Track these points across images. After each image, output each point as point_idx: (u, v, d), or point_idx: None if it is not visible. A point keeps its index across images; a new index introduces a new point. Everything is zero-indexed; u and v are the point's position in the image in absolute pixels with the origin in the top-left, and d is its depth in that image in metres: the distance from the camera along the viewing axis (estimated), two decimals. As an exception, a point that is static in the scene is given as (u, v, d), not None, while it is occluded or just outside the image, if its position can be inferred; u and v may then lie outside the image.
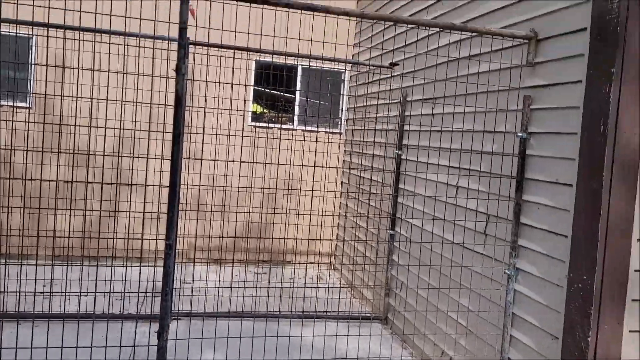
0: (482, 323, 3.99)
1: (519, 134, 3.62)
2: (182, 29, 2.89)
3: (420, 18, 4.72)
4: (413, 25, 4.97)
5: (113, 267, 3.68)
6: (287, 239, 7.16)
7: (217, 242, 7.22)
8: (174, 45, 3.29)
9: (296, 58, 6.74)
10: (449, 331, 4.42)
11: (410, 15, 5.57)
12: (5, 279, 4.45)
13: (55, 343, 3.17)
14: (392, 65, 5.86)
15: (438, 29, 4.72)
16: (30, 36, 6.88)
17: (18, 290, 3.71)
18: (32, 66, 6.99)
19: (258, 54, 7.10)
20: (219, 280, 6.12)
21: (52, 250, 4.28)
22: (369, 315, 5.98)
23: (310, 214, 6.74)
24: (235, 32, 4.22)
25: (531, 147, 3.58)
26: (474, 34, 3.89)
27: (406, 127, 5.65)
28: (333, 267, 7.97)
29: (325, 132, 8.00)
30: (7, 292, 4.74)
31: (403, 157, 5.64)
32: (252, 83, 7.82)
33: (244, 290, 6.19)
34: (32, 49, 6.99)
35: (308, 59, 6.55)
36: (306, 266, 6.73)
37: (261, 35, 4.76)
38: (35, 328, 4.29)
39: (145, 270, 6.53)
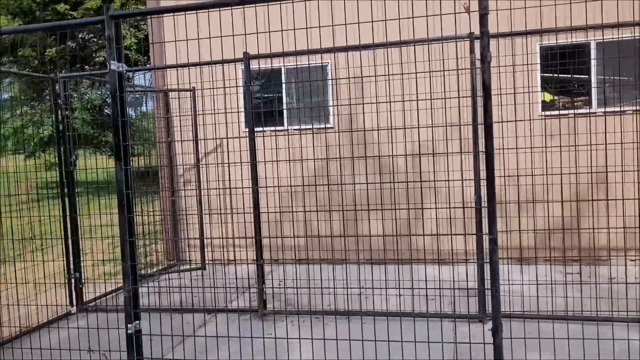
0: None
1: None
2: (483, 15, 2.81)
3: None
4: None
5: (425, 267, 3.76)
6: (599, 229, 6.39)
7: (518, 239, 6.88)
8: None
9: (588, 31, 6.05)
10: None
11: None
12: (330, 279, 4.95)
13: (379, 338, 3.38)
14: None
15: None
16: (327, 64, 7.70)
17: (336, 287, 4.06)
18: (332, 90, 7.78)
19: (543, 34, 6.61)
20: (527, 280, 5.78)
21: (362, 253, 4.61)
22: None
23: (622, 202, 5.90)
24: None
25: None
26: None
27: None
28: (661, 264, 6.83)
29: (634, 111, 6.96)
30: (332, 288, 5.28)
31: None
32: (538, 69, 7.30)
33: (564, 289, 5.73)
34: (328, 74, 7.81)
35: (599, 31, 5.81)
36: (625, 261, 5.88)
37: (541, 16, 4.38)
38: (364, 324, 4.67)
39: (451, 269, 6.61)
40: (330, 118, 7.83)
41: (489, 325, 4.97)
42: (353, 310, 5.40)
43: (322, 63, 6.26)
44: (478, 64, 3.45)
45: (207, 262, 7.53)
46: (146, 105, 9.70)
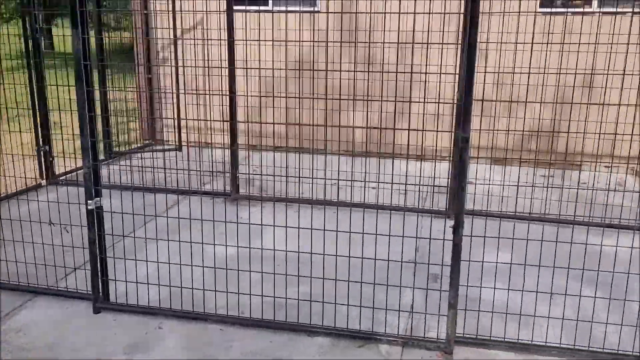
0: None
1: None
2: None
3: None
4: None
5: (407, 163, 3.70)
6: (583, 133, 6.33)
7: (502, 140, 6.83)
8: None
9: None
10: None
11: None
12: (308, 169, 4.89)
13: (354, 229, 3.39)
14: None
15: None
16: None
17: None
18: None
19: None
20: (503, 181, 5.82)
21: (345, 145, 4.52)
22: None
23: (604, 104, 5.80)
24: None
25: None
26: None
27: None
28: (635, 172, 6.89)
29: (635, 12, 6.63)
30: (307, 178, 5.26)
31: None
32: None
33: (532, 192, 5.79)
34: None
35: None
36: (599, 167, 5.90)
37: None
38: (331, 213, 4.71)
39: (433, 166, 6.61)
40: (317, 1, 7.39)
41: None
42: (329, 200, 5.43)
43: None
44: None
45: (183, 143, 7.42)
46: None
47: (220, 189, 5.95)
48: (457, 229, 2.79)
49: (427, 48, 6.56)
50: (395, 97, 4.56)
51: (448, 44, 6.67)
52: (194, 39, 7.30)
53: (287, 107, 7.20)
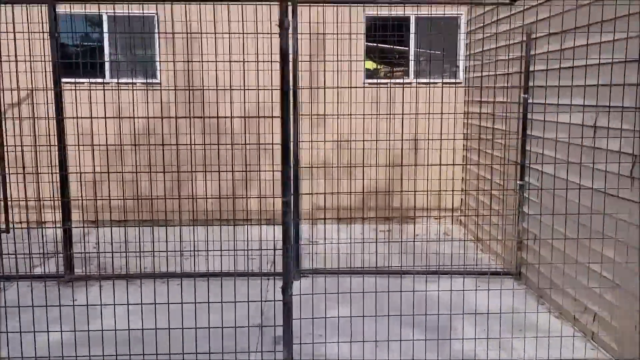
0: (631, 276, 3.59)
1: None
2: (282, -19, 2.81)
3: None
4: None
5: (249, 227, 3.81)
6: (411, 192, 6.98)
7: (341, 201, 7.27)
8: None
9: (407, 6, 6.44)
10: (591, 285, 4.05)
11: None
12: (153, 242, 4.79)
13: (190, 299, 3.37)
14: (512, 1, 5.36)
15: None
16: (155, 14, 7.26)
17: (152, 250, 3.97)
18: (158, 43, 7.37)
19: (366, 6, 6.90)
20: (343, 239, 6.16)
21: (189, 214, 4.53)
22: (499, 270, 5.69)
23: (429, 165, 6.51)
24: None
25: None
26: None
27: (532, 68, 5.17)
28: (460, 222, 7.69)
29: (444, 83, 7.62)
30: (146, 252, 5.14)
31: (529, 100, 5.18)
32: (364, 39, 7.62)
33: (368, 247, 6.17)
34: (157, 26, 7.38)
35: (419, 6, 6.22)
36: (427, 220, 6.53)
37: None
38: (175, 286, 4.62)
39: (274, 229, 6.76)
40: (157, 73, 7.45)
41: (297, 283, 5.22)
42: (172, 273, 5.31)
43: (143, 13, 5.87)
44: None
45: (12, 224, 6.82)
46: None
47: (52, 271, 5.54)
48: (285, 289, 2.91)
49: (272, 120, 6.88)
50: (246, 164, 4.70)
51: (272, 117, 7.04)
52: (19, 117, 6.90)
53: (123, 179, 7.02)
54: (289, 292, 2.92)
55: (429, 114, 5.91)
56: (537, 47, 5.05)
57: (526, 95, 5.23)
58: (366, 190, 7.42)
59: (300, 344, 3.71)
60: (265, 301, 3.73)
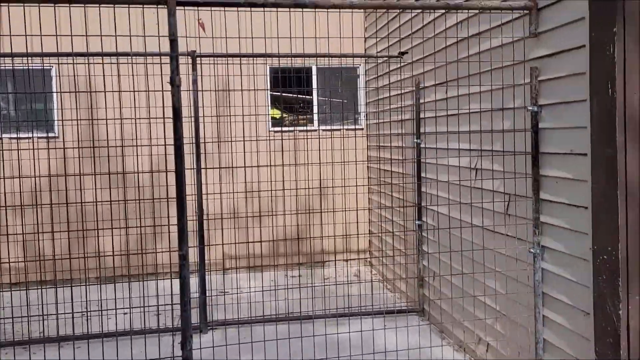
0: (513, 305, 3.89)
1: (530, 108, 3.52)
2: (172, 40, 2.92)
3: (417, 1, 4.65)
4: (417, 11, 4.93)
5: (151, 282, 3.72)
6: (320, 237, 7.15)
7: (251, 249, 7.28)
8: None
9: (307, 58, 6.75)
10: (483, 316, 4.33)
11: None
12: (57, 303, 4.57)
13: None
14: (401, 54, 5.79)
15: (442, 11, 4.64)
16: (50, 67, 7.10)
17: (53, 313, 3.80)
18: (56, 96, 7.19)
19: (269, 59, 7.14)
20: (254, 287, 6.17)
21: (96, 272, 4.38)
22: (405, 308, 5.91)
23: (335, 211, 6.72)
24: (246, 38, 4.25)
25: (543, 120, 3.47)
26: (471, 11, 3.80)
27: (422, 115, 5.56)
28: (369, 263, 7.92)
29: (347, 129, 7.96)
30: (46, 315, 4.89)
31: (422, 145, 5.56)
32: (268, 88, 7.85)
33: (278, 294, 6.21)
34: (52, 79, 7.21)
35: (318, 58, 6.54)
36: (336, 264, 6.70)
37: (272, 38, 4.78)
38: (77, 349, 4.42)
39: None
40: (55, 127, 7.24)
41: (208, 335, 5.16)
42: (78, 335, 5.07)
43: (43, 66, 5.76)
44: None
45: None
46: None
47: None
48: (184, 344, 2.90)
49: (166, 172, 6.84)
50: (154, 217, 4.63)
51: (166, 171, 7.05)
52: None
53: (26, 240, 6.68)
54: (187, 346, 2.92)
55: (332, 161, 6.14)
56: (426, 96, 5.46)
57: (419, 140, 5.60)
58: (276, 237, 7.49)
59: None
60: (165, 358, 3.66)
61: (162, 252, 6.47)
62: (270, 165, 6.67)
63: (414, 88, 5.64)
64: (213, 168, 6.89)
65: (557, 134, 3.34)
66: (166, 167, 6.47)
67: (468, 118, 4.50)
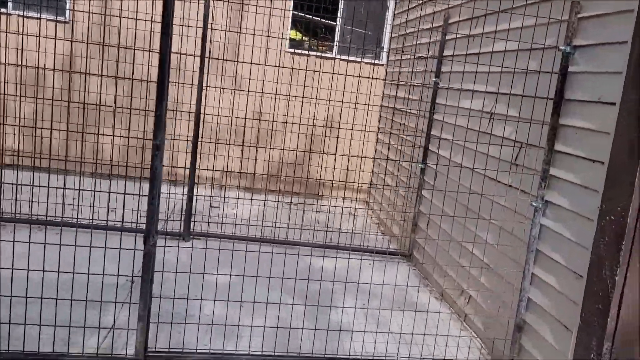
0: (502, 259, 3.67)
1: (562, 48, 3.17)
2: None
3: None
4: None
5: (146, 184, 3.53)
6: (325, 167, 6.93)
7: (258, 169, 7.14)
8: None
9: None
10: (469, 267, 4.13)
11: None
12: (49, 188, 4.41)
13: (71, 249, 3.11)
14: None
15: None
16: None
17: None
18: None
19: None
20: (244, 207, 6.00)
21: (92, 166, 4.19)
22: (394, 250, 5.74)
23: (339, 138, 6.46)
24: None
25: (574, 63, 3.13)
26: None
27: (446, 52, 5.19)
28: (368, 205, 7.73)
29: (366, 63, 7.57)
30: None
31: (439, 84, 5.22)
32: (291, 8, 7.44)
33: (272, 218, 6.05)
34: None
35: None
36: (332, 199, 6.50)
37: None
38: (54, 235, 4.30)
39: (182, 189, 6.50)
40: (66, 12, 6.92)
41: (189, 243, 5.04)
42: (51, 221, 4.97)
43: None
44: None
45: None
46: None
47: None
48: (147, 238, 2.73)
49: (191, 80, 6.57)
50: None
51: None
52: None
53: (26, 125, 6.51)
54: (150, 241, 2.74)
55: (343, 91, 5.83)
56: (452, 33, 5.07)
57: (437, 80, 5.25)
58: (280, 160, 7.29)
59: (171, 298, 3.54)
60: (125, 249, 3.50)
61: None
62: (278, 94, 6.37)
63: (443, 23, 5.24)
64: (222, 88, 6.59)
65: (587, 79, 3.00)
66: (178, 66, 6.19)
67: (490, 58, 4.14)
